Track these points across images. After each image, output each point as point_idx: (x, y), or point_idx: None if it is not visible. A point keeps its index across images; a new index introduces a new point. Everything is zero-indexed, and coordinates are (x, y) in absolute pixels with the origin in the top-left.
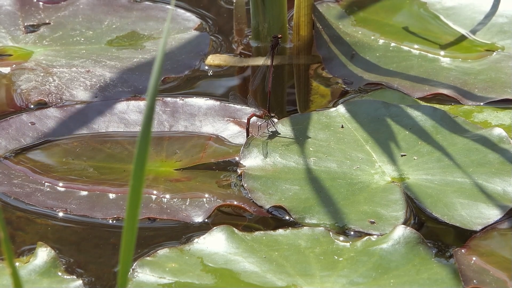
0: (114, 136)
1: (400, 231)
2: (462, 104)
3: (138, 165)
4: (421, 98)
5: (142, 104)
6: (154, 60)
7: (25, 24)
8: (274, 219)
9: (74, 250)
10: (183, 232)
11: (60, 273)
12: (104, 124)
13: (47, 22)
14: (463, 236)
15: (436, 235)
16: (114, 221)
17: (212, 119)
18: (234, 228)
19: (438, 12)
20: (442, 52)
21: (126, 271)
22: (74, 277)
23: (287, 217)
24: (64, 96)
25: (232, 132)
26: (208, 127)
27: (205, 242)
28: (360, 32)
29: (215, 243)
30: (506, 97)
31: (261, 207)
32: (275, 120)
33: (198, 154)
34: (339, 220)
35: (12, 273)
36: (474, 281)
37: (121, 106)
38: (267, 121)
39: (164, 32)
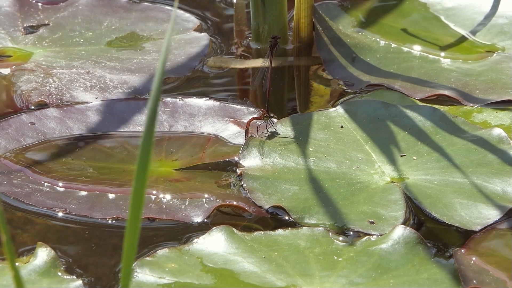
0: (113, 136)
1: (400, 231)
2: (462, 105)
3: (140, 170)
4: (422, 100)
5: (142, 104)
6: (154, 61)
7: (25, 25)
8: (274, 219)
9: (74, 250)
10: (183, 232)
11: (60, 273)
12: (104, 124)
13: (46, 23)
14: (463, 236)
15: (436, 235)
16: (114, 221)
17: (211, 119)
18: (234, 228)
19: (438, 13)
20: (442, 53)
21: (129, 273)
22: (74, 277)
23: (286, 217)
24: (64, 97)
25: (232, 132)
26: (208, 127)
27: (204, 242)
28: (360, 34)
29: (215, 243)
30: (507, 98)
31: (260, 207)
32: (275, 120)
33: (198, 154)
34: (339, 220)
35: (14, 276)
36: (474, 281)
37: (121, 106)
38: (266, 122)
39: (167, 33)
